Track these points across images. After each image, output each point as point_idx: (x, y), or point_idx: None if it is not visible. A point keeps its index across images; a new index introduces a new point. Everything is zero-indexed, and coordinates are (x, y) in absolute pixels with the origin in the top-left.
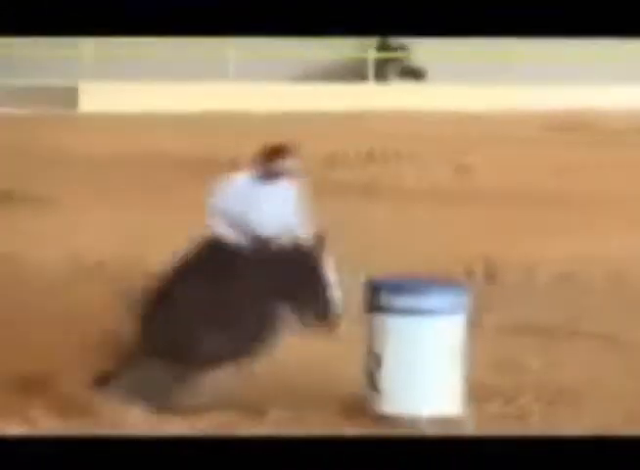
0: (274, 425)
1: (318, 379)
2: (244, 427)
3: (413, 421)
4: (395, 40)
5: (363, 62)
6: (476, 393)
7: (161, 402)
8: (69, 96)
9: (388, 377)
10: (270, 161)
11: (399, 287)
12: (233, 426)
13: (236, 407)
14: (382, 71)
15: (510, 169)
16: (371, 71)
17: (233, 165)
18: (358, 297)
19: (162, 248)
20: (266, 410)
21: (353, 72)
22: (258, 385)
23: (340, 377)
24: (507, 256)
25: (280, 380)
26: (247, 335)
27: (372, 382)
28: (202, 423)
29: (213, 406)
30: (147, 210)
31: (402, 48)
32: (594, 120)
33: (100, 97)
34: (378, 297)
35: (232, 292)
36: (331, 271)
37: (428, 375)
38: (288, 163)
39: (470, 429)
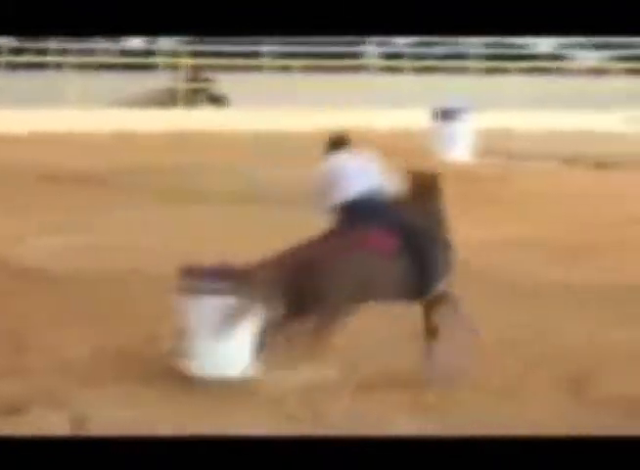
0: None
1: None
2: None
3: (218, 382)
4: (202, 72)
5: (176, 91)
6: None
7: None
8: None
9: (197, 346)
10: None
11: (207, 272)
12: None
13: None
14: (192, 99)
15: (300, 178)
16: (181, 98)
17: (76, 179)
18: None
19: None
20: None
21: (168, 100)
22: (92, 355)
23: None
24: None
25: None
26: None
27: (183, 350)
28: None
29: None
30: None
31: (208, 79)
32: (363, 138)
33: None
34: (189, 281)
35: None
36: None
37: (230, 344)
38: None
39: (264, 387)
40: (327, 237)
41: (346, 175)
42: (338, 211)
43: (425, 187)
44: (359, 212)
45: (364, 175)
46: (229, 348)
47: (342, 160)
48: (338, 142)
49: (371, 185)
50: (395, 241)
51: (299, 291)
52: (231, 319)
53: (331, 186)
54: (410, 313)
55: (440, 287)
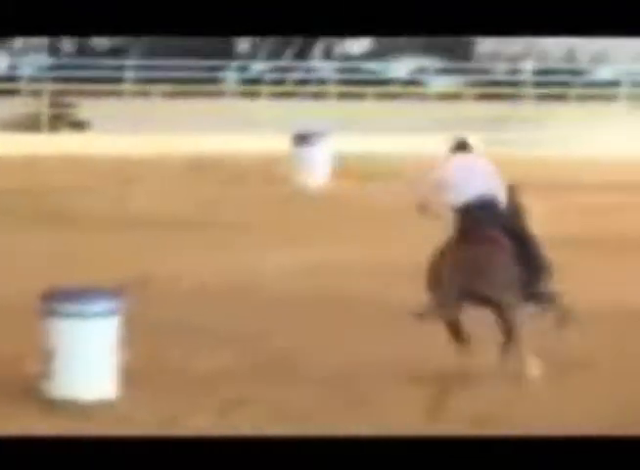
0: None
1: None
2: None
3: (78, 404)
4: (64, 98)
5: (38, 116)
6: (130, 379)
7: None
8: None
9: (58, 369)
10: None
11: (68, 295)
12: None
13: None
14: (54, 124)
15: (163, 201)
16: (45, 123)
17: None
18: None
19: None
20: None
21: (31, 125)
22: None
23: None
24: (159, 269)
25: None
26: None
27: (45, 373)
28: None
29: None
30: None
31: (70, 105)
32: (223, 163)
33: None
34: (50, 304)
35: None
36: None
37: (91, 366)
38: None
39: (123, 408)
40: (466, 238)
41: (467, 177)
42: (459, 210)
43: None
44: (479, 214)
45: (482, 179)
46: (90, 370)
47: (464, 162)
48: (460, 146)
49: (488, 189)
50: (512, 243)
51: (472, 292)
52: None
53: (451, 186)
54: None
55: (546, 287)
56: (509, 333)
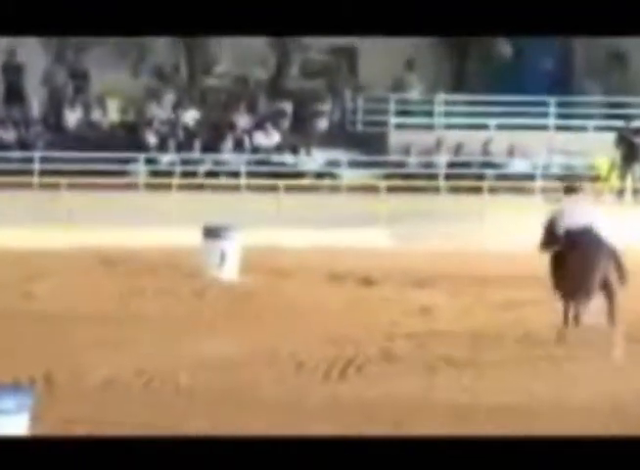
0: None
1: None
2: None
3: None
4: None
5: None
6: None
7: None
8: None
9: None
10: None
11: None
12: None
13: None
14: None
15: (71, 295)
16: None
17: None
18: None
19: None
20: None
21: None
22: None
23: None
24: (63, 363)
25: None
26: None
27: None
28: None
29: None
30: None
31: None
32: (134, 256)
33: None
34: None
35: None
36: None
37: None
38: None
39: None
40: (588, 245)
41: (577, 211)
42: (573, 232)
43: None
44: (587, 235)
45: (588, 212)
46: None
47: (576, 201)
48: (571, 189)
49: (593, 219)
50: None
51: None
52: None
53: (567, 217)
54: None
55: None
56: (613, 317)
